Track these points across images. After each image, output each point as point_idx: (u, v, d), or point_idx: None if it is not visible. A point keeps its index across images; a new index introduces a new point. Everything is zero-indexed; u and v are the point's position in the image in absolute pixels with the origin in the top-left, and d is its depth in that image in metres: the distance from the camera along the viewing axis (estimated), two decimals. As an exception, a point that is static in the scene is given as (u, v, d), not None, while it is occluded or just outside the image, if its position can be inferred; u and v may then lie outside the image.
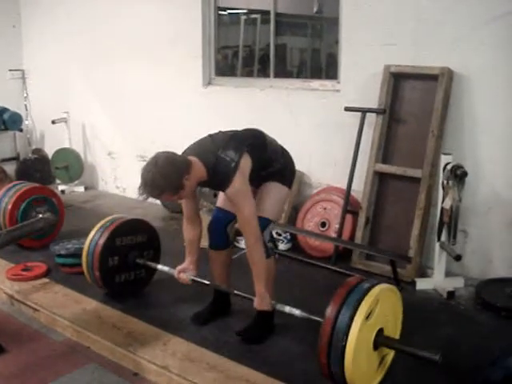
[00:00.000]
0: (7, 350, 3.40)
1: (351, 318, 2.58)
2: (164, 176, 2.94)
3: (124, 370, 3.23)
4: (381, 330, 2.76)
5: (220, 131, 3.31)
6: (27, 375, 3.19)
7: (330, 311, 2.66)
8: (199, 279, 3.50)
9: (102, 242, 3.72)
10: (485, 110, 4.17)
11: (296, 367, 3.07)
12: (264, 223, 3.21)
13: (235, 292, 3.38)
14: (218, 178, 3.09)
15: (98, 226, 3.84)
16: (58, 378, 3.14)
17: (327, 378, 2.73)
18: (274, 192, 3.34)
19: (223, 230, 3.45)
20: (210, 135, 3.27)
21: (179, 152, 3.17)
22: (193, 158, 3.09)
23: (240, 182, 3.05)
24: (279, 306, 3.16)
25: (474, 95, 4.20)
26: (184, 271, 3.52)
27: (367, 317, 2.62)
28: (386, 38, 4.55)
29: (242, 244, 4.54)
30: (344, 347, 2.56)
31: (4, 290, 4.11)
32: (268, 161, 3.30)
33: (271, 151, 3.32)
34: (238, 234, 3.56)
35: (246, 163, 3.11)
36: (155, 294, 4.02)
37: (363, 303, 2.62)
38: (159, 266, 3.84)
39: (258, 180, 3.28)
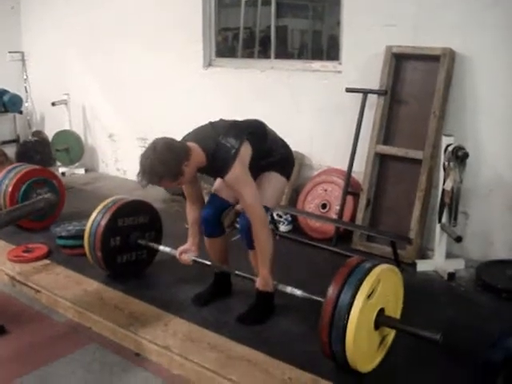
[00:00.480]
0: (9, 331, 3.41)
1: (353, 297, 2.60)
2: (163, 162, 2.92)
3: (125, 350, 3.24)
4: (382, 310, 2.77)
5: (221, 119, 3.30)
6: (29, 356, 3.21)
7: (331, 290, 2.67)
8: (201, 260, 3.51)
9: (104, 222, 3.73)
10: (487, 91, 4.14)
11: (297, 347, 3.08)
12: None
13: (236, 272, 3.39)
14: (218, 164, 3.08)
15: (100, 206, 3.84)
16: (59, 359, 3.16)
17: (328, 356, 2.75)
18: (274, 182, 3.35)
19: (217, 217, 3.43)
20: (211, 122, 3.26)
21: (179, 136, 3.16)
22: (192, 144, 3.08)
23: (240, 168, 3.05)
24: (281, 287, 3.18)
25: (477, 76, 4.17)
26: (186, 252, 3.52)
27: (369, 296, 2.63)
28: (387, 19, 4.50)
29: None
30: (345, 326, 2.58)
31: (5, 272, 4.12)
32: (268, 151, 3.30)
33: (271, 141, 3.33)
34: (238, 215, 3.55)
35: (246, 151, 3.11)
36: (156, 274, 4.03)
37: (365, 283, 2.63)
38: (161, 247, 3.85)
39: (257, 169, 3.26)
